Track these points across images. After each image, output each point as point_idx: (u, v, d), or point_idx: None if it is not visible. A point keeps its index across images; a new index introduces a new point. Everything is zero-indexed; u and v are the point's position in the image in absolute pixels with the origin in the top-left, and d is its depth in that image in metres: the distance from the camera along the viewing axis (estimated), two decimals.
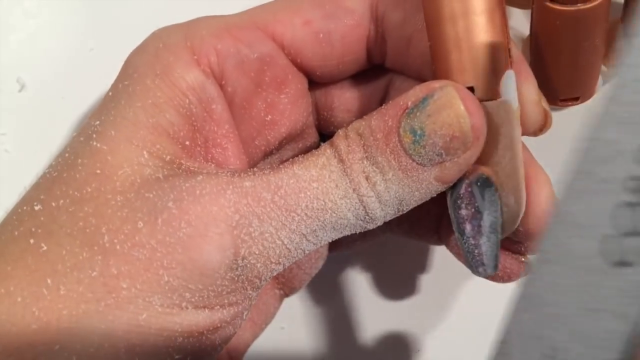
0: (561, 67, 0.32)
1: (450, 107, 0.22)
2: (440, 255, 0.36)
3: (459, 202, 0.23)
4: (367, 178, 0.22)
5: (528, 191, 0.24)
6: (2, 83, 0.34)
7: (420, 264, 0.36)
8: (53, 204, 0.22)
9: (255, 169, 0.23)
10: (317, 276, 0.32)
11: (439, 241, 0.30)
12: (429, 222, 0.29)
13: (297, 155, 0.24)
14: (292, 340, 0.36)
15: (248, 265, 0.22)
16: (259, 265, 0.22)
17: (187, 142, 0.24)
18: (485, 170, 0.23)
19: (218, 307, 0.22)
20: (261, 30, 0.26)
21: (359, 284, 0.36)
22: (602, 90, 0.32)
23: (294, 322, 0.36)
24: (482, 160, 0.23)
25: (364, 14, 0.26)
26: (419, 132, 0.22)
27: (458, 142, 0.22)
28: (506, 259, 0.26)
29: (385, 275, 0.37)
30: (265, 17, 0.26)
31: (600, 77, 0.33)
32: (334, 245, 0.31)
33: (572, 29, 0.29)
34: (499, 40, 0.22)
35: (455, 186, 0.23)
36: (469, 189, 0.23)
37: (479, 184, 0.23)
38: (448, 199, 0.24)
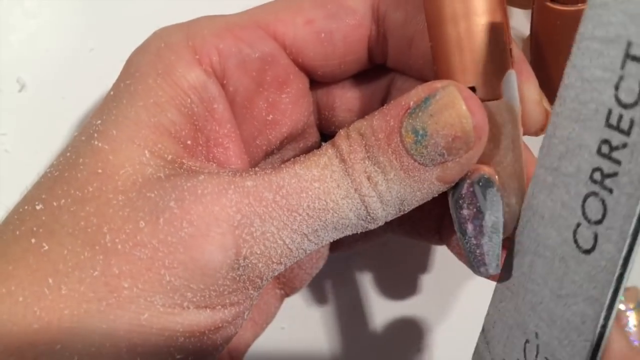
0: (561, 67, 0.32)
1: (452, 107, 0.22)
2: (442, 255, 0.36)
3: (460, 202, 0.23)
4: (368, 178, 0.22)
5: None
6: (2, 83, 0.34)
7: (422, 264, 0.37)
8: (54, 204, 0.22)
9: (256, 169, 0.23)
10: (318, 276, 0.32)
11: (440, 241, 0.30)
12: (430, 222, 0.29)
13: (298, 155, 0.24)
14: (292, 340, 0.36)
15: (250, 265, 0.22)
16: (260, 265, 0.22)
17: (189, 142, 0.24)
18: (486, 170, 0.23)
19: (219, 306, 0.22)
20: (263, 29, 0.26)
21: (359, 284, 0.36)
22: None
23: (295, 322, 0.36)
24: (483, 160, 0.23)
25: (365, 13, 0.26)
26: (421, 132, 0.22)
27: (460, 142, 0.22)
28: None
29: (386, 275, 0.37)
30: (266, 16, 0.26)
31: None
32: (335, 246, 0.31)
33: (573, 28, 0.29)
34: (500, 41, 0.22)
35: (456, 186, 0.23)
36: (471, 189, 0.23)
37: (480, 183, 0.23)
38: (450, 198, 0.24)
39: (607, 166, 0.19)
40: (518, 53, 0.24)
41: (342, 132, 0.23)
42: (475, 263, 0.24)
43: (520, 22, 0.36)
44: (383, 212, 0.23)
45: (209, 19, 0.26)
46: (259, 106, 0.26)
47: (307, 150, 0.28)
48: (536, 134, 0.25)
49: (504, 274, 0.24)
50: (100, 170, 0.22)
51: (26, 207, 0.22)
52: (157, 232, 0.21)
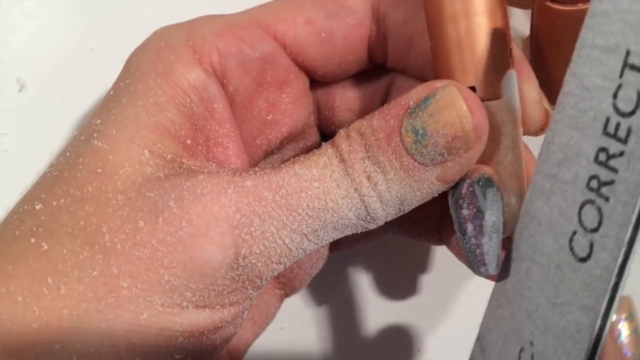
0: (561, 67, 0.31)
1: (452, 107, 0.22)
2: (441, 256, 0.36)
3: (460, 201, 0.23)
4: (368, 178, 0.22)
5: None
6: (2, 83, 0.34)
7: (421, 264, 0.36)
8: (54, 203, 0.22)
9: (256, 169, 0.23)
10: (318, 276, 0.32)
11: (440, 241, 0.30)
12: (430, 222, 0.29)
13: (298, 155, 0.24)
14: (292, 341, 0.36)
15: (249, 265, 0.22)
16: (260, 264, 0.22)
17: (189, 141, 0.24)
18: (486, 169, 0.23)
19: (219, 306, 0.22)
20: (263, 29, 0.26)
21: (359, 284, 0.36)
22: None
23: (295, 323, 0.36)
24: (483, 159, 0.23)
25: (365, 13, 0.26)
26: (420, 131, 0.22)
27: (460, 142, 0.22)
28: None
29: (386, 276, 0.37)
30: (267, 16, 0.26)
31: None
32: (334, 246, 0.31)
33: (573, 28, 0.29)
34: (500, 40, 0.22)
35: (456, 186, 0.23)
36: (471, 189, 0.23)
37: (480, 183, 0.23)
38: (450, 198, 0.24)
39: (604, 174, 0.19)
40: (518, 53, 0.24)
41: (342, 131, 0.23)
42: (475, 263, 0.24)
43: (520, 22, 0.36)
44: (383, 212, 0.23)
45: (209, 18, 0.26)
46: (259, 106, 0.26)
47: (307, 150, 0.28)
48: (536, 133, 0.25)
49: (503, 273, 0.24)
50: (99, 170, 0.22)
51: (26, 207, 0.22)
52: (157, 231, 0.21)
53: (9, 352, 0.20)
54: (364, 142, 0.22)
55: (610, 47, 0.18)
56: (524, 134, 0.24)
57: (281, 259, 0.22)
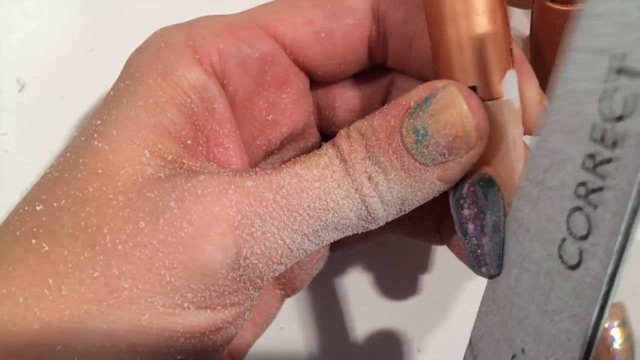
0: None
1: (453, 107, 0.22)
2: (442, 256, 0.36)
3: (461, 201, 0.23)
4: (369, 178, 0.22)
5: None
6: (2, 83, 0.34)
7: (422, 264, 0.36)
8: (55, 204, 0.22)
9: (257, 169, 0.23)
10: (318, 276, 0.32)
11: (441, 241, 0.30)
12: (430, 222, 0.29)
13: (298, 155, 0.24)
14: (292, 341, 0.36)
15: (250, 266, 0.22)
16: (260, 265, 0.22)
17: (189, 142, 0.24)
18: (487, 170, 0.23)
19: (220, 307, 0.22)
20: (263, 29, 0.26)
21: (360, 284, 0.36)
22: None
23: (295, 323, 0.36)
24: (484, 160, 0.23)
25: (365, 13, 0.26)
26: (421, 131, 0.22)
27: (461, 142, 0.22)
28: None
29: (386, 276, 0.37)
30: (266, 16, 0.26)
31: None
32: (335, 246, 0.31)
33: None
34: (500, 40, 0.22)
35: (457, 186, 0.23)
36: (472, 189, 0.23)
37: (481, 183, 0.23)
38: (450, 198, 0.24)
39: (592, 181, 0.19)
40: (518, 53, 0.24)
41: (342, 132, 0.23)
42: (476, 263, 0.24)
43: (520, 22, 0.36)
44: (384, 212, 0.23)
45: (209, 19, 0.26)
46: (259, 106, 0.26)
47: (308, 151, 0.28)
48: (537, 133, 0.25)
49: (491, 286, 0.24)
50: (100, 171, 0.22)
51: (26, 208, 0.22)
52: (157, 232, 0.21)
53: (10, 353, 0.20)
54: (364, 142, 0.22)
55: (600, 50, 0.18)
56: (525, 134, 0.24)
57: (282, 260, 0.22)
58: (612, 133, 0.18)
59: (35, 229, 0.22)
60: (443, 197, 0.24)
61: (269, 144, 0.27)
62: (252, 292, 0.23)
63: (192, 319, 0.22)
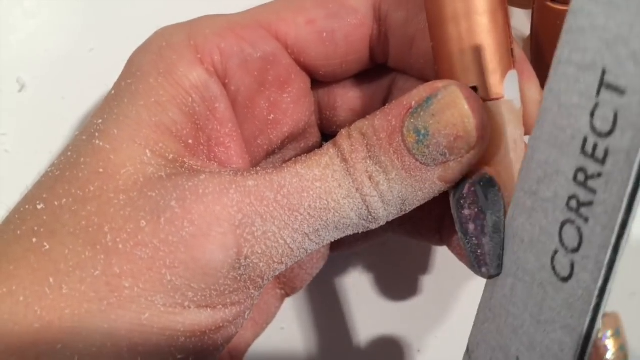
0: None
1: (454, 107, 0.22)
2: (442, 256, 0.36)
3: (462, 202, 0.23)
4: (370, 178, 0.22)
5: None
6: (2, 83, 0.34)
7: (422, 265, 0.36)
8: (56, 203, 0.22)
9: (258, 168, 0.23)
10: (318, 276, 0.32)
11: (441, 241, 0.30)
12: (431, 222, 0.29)
13: (299, 155, 0.24)
14: (292, 341, 0.36)
15: (251, 265, 0.22)
16: (261, 264, 0.22)
17: (190, 141, 0.24)
18: (488, 170, 0.23)
19: (221, 306, 0.22)
20: (264, 29, 0.26)
21: (360, 284, 0.36)
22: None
23: (294, 323, 0.36)
24: (484, 160, 0.23)
25: (367, 13, 0.26)
26: (422, 131, 0.22)
27: (462, 142, 0.22)
28: None
29: (386, 276, 0.37)
30: (268, 16, 0.26)
31: None
32: (335, 245, 0.31)
33: None
34: (501, 41, 0.22)
35: (458, 186, 0.23)
36: (472, 189, 0.23)
37: (482, 183, 0.23)
38: (451, 198, 0.24)
39: (583, 194, 0.19)
40: (519, 53, 0.24)
41: (343, 131, 0.23)
42: (476, 263, 0.24)
43: (520, 22, 0.36)
44: (384, 212, 0.23)
45: (211, 18, 0.26)
46: (260, 106, 0.26)
47: (309, 150, 0.28)
48: None
49: (487, 295, 0.24)
50: (101, 170, 0.22)
51: (27, 207, 0.22)
52: (159, 231, 0.21)
53: (10, 352, 0.20)
54: (365, 142, 0.22)
55: (586, 65, 0.18)
56: (525, 134, 0.24)
57: (283, 259, 0.22)
58: (602, 147, 0.18)
59: (36, 228, 0.22)
60: (443, 197, 0.24)
61: (270, 143, 0.27)
62: (253, 291, 0.23)
63: (193, 318, 0.22)
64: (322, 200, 0.22)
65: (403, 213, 0.23)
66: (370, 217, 0.23)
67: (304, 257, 0.23)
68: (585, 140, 0.18)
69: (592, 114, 0.18)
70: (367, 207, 0.22)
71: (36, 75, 0.35)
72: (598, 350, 0.24)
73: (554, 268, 0.20)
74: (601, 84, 0.18)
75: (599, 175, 0.18)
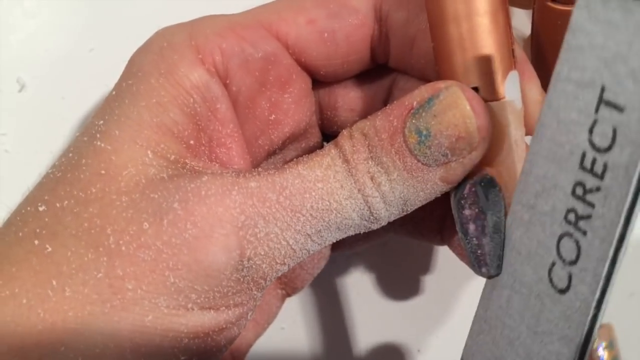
0: None
1: (456, 108, 0.22)
2: (443, 256, 0.36)
3: (462, 202, 0.23)
4: (372, 178, 0.22)
5: None
6: (2, 83, 0.34)
7: (423, 265, 0.37)
8: (57, 205, 0.22)
9: (259, 169, 0.23)
10: (319, 276, 0.32)
11: (442, 242, 0.30)
12: (432, 223, 0.29)
13: (300, 155, 0.24)
14: (293, 341, 0.36)
15: (253, 266, 0.22)
16: (264, 266, 0.22)
17: (192, 142, 0.24)
18: (489, 170, 0.23)
19: (223, 308, 0.22)
20: (265, 29, 0.26)
21: (361, 284, 0.36)
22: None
23: (295, 323, 0.36)
24: (485, 160, 0.23)
25: (368, 13, 0.26)
26: (424, 132, 0.22)
27: (464, 143, 0.22)
28: None
29: (387, 276, 0.37)
30: (269, 16, 0.26)
31: None
32: (336, 245, 0.31)
33: None
34: (502, 41, 0.22)
35: (459, 186, 0.23)
36: (473, 189, 0.23)
37: (483, 184, 0.23)
38: (452, 199, 0.24)
39: (581, 208, 0.19)
40: (520, 53, 0.24)
41: (345, 132, 0.23)
42: (476, 263, 0.24)
43: (521, 22, 0.36)
44: (386, 213, 0.23)
45: (212, 18, 0.26)
46: (261, 106, 0.26)
47: (310, 150, 0.28)
48: None
49: (482, 306, 0.24)
50: (103, 171, 0.22)
51: (29, 208, 0.22)
52: (161, 233, 0.21)
53: (13, 354, 0.20)
54: (367, 142, 0.22)
55: (585, 82, 0.18)
56: (526, 134, 0.24)
57: (285, 260, 0.22)
58: (601, 163, 0.18)
59: (38, 230, 0.22)
60: (445, 197, 0.24)
61: (271, 143, 0.27)
62: (255, 292, 0.23)
63: (196, 320, 0.22)
64: (324, 201, 0.22)
65: (405, 213, 0.23)
66: (372, 217, 0.23)
67: (306, 257, 0.23)
68: (583, 156, 0.19)
69: (591, 130, 0.18)
70: (369, 207, 0.22)
71: (36, 75, 0.35)
72: None
73: (551, 280, 0.20)
74: (600, 101, 0.18)
75: (598, 189, 0.18)
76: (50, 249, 0.21)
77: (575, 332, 0.19)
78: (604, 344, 0.25)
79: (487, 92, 0.22)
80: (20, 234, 0.22)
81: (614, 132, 0.18)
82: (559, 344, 0.20)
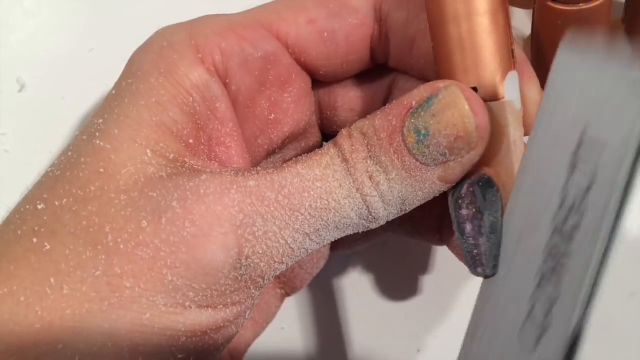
0: None
1: (455, 107, 0.22)
2: (442, 256, 0.36)
3: (460, 201, 0.23)
4: (370, 178, 0.22)
5: None
6: (2, 83, 0.34)
7: (422, 264, 0.36)
8: (56, 203, 0.22)
9: (258, 168, 0.23)
10: (319, 276, 0.32)
11: (441, 241, 0.30)
12: (431, 222, 0.29)
13: (299, 155, 0.24)
14: (292, 340, 0.36)
15: (252, 265, 0.22)
16: (262, 264, 0.22)
17: (191, 141, 0.24)
18: (487, 170, 0.23)
19: (221, 306, 0.22)
20: (265, 29, 0.26)
21: (360, 283, 0.36)
22: None
23: (295, 322, 0.36)
24: (484, 160, 0.23)
25: (368, 13, 0.26)
26: (423, 131, 0.22)
27: (462, 142, 0.22)
28: None
29: (386, 275, 0.37)
30: (269, 16, 0.26)
31: None
32: (335, 245, 0.31)
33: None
34: (502, 41, 0.22)
35: (457, 186, 0.23)
36: (471, 189, 0.23)
37: (480, 184, 0.23)
38: (449, 198, 0.24)
39: (561, 247, 0.19)
40: (520, 53, 0.24)
41: (344, 131, 0.23)
42: (472, 263, 0.24)
43: (521, 21, 0.36)
44: (385, 212, 0.23)
45: (212, 18, 0.26)
46: (261, 105, 0.26)
47: (309, 150, 0.28)
48: None
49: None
50: (102, 170, 0.22)
51: (28, 207, 0.22)
52: (160, 232, 0.21)
53: (11, 352, 0.20)
54: (366, 142, 0.22)
55: (568, 120, 0.19)
56: (525, 135, 0.24)
57: (284, 259, 0.22)
58: (580, 203, 0.19)
59: (36, 228, 0.22)
60: (443, 197, 0.24)
61: (270, 143, 0.27)
62: (254, 291, 0.23)
63: (194, 318, 0.22)
64: (322, 200, 0.22)
65: (403, 213, 0.23)
66: (370, 217, 0.23)
67: (305, 256, 0.23)
68: (564, 196, 0.19)
69: (573, 168, 0.19)
70: (368, 207, 0.22)
71: (36, 75, 0.35)
72: None
73: (521, 339, 0.21)
74: (582, 138, 0.18)
75: (577, 227, 0.19)
76: (48, 247, 0.21)
77: None
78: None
79: (486, 92, 0.23)
80: (19, 232, 0.22)
81: (594, 170, 0.18)
82: None
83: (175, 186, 0.22)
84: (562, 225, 0.19)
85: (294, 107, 0.27)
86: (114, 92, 0.24)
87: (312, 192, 0.22)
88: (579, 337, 0.19)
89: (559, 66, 0.19)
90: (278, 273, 0.23)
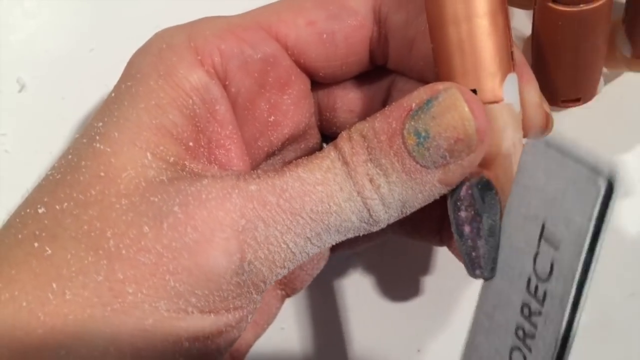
0: (562, 68, 0.32)
1: (455, 109, 0.22)
2: (442, 256, 0.36)
3: (458, 204, 0.23)
4: (371, 180, 0.22)
5: None
6: (2, 83, 0.34)
7: (422, 265, 0.36)
8: (57, 207, 0.22)
9: (259, 172, 0.23)
10: (319, 276, 0.32)
11: (441, 242, 0.30)
12: (431, 223, 0.29)
13: (299, 157, 0.24)
14: (292, 341, 0.36)
15: (254, 270, 0.22)
16: (264, 269, 0.22)
17: (191, 143, 0.24)
18: (486, 173, 0.23)
19: (223, 311, 0.22)
20: (265, 30, 0.26)
21: (360, 284, 0.36)
22: (603, 92, 0.33)
23: (295, 323, 0.36)
24: (483, 163, 0.23)
25: (367, 15, 0.26)
26: (423, 134, 0.22)
27: (462, 145, 0.22)
28: None
29: (386, 276, 0.37)
30: (268, 17, 0.26)
31: (601, 78, 0.33)
32: (336, 246, 0.31)
33: (574, 29, 0.29)
34: (501, 43, 0.22)
35: (456, 188, 0.23)
36: (470, 191, 0.23)
37: (479, 186, 0.23)
38: (448, 200, 0.24)
39: (527, 327, 0.21)
40: (519, 55, 0.24)
41: (344, 134, 0.23)
42: (470, 265, 0.24)
43: (521, 22, 0.36)
44: (385, 215, 0.23)
45: (211, 19, 0.26)
46: (260, 107, 0.26)
47: (309, 152, 0.28)
48: (536, 137, 0.25)
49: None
50: (102, 174, 0.22)
51: (28, 211, 0.22)
52: (161, 237, 0.21)
53: (14, 358, 0.20)
54: (366, 144, 0.22)
55: (530, 217, 0.20)
56: (524, 137, 0.24)
57: (285, 263, 0.22)
58: (542, 290, 0.20)
59: (37, 232, 0.22)
60: (444, 198, 0.24)
61: (270, 145, 0.27)
62: (255, 295, 0.23)
63: (196, 324, 0.22)
64: (323, 203, 0.22)
65: (404, 215, 0.23)
66: (371, 219, 0.23)
67: (306, 260, 0.23)
68: (529, 281, 0.21)
69: (535, 259, 0.20)
70: (368, 210, 0.22)
71: (36, 75, 0.35)
72: None
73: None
74: (541, 235, 0.20)
75: (539, 313, 0.20)
76: (50, 252, 0.21)
77: None
78: None
79: (485, 94, 0.23)
80: (20, 236, 0.22)
81: (552, 264, 0.20)
82: None
83: (176, 191, 0.22)
84: (528, 306, 0.21)
85: (293, 109, 0.27)
86: (113, 94, 0.24)
87: (313, 196, 0.22)
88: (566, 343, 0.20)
89: (523, 167, 0.21)
90: (279, 277, 0.23)
